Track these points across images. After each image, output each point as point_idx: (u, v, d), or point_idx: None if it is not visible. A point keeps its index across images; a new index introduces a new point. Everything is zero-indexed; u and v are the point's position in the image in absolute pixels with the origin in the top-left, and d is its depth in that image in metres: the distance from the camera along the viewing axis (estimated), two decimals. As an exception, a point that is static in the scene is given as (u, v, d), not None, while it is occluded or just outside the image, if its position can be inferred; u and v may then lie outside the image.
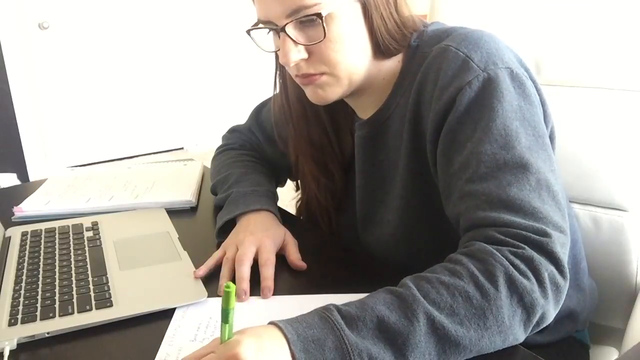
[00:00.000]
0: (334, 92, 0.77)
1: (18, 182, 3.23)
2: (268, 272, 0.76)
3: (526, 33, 1.02)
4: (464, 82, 0.68)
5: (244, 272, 0.75)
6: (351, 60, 0.74)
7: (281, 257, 0.82)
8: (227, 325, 0.53)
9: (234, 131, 1.15)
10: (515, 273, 0.57)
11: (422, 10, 1.10)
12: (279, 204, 0.98)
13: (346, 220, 0.93)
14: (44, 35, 3.52)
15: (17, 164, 3.43)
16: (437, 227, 0.77)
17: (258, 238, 0.81)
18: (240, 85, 4.12)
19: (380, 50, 0.76)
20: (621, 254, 0.95)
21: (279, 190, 1.05)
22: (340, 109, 0.88)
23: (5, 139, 3.36)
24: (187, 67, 4.02)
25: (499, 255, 0.58)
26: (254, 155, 1.09)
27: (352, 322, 0.55)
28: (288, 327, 0.54)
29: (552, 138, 0.78)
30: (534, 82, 0.73)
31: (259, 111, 1.10)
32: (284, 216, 0.94)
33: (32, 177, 3.49)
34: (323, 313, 0.56)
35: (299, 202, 1.02)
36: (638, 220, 0.94)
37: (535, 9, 1.03)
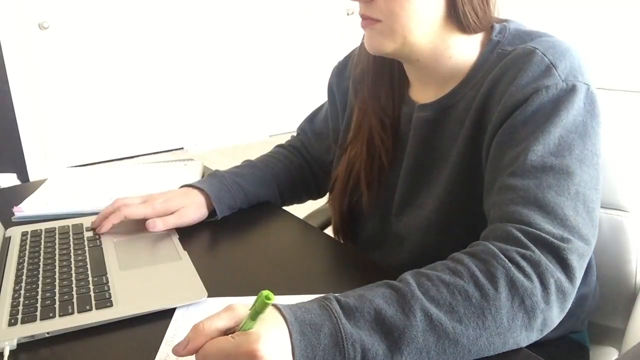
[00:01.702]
0: (385, 45, 0.76)
1: (18, 182, 3.23)
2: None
3: (526, 33, 1.02)
4: (543, 85, 0.69)
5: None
6: (411, 17, 0.73)
7: (282, 258, 0.82)
8: (252, 322, 0.54)
9: (298, 129, 1.17)
10: (517, 274, 0.58)
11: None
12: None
13: (380, 198, 0.91)
14: (44, 35, 3.52)
15: (17, 164, 3.43)
16: (471, 220, 0.76)
17: (152, 198, 0.92)
18: (240, 85, 4.12)
19: (457, 22, 0.75)
20: (621, 254, 0.95)
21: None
22: (403, 82, 0.88)
23: (5, 139, 3.36)
24: (188, 67, 4.02)
25: (502, 256, 0.59)
26: (289, 157, 1.10)
27: (350, 313, 0.56)
28: (287, 310, 0.56)
29: None
30: None
31: (314, 116, 1.12)
32: (286, 218, 0.94)
33: (32, 177, 3.50)
34: (322, 302, 0.57)
35: (335, 173, 0.98)
36: (638, 220, 0.94)
37: (535, 9, 1.03)
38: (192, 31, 3.96)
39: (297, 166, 1.09)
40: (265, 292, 0.52)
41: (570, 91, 0.69)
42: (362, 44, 0.90)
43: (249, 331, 0.53)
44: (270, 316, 0.55)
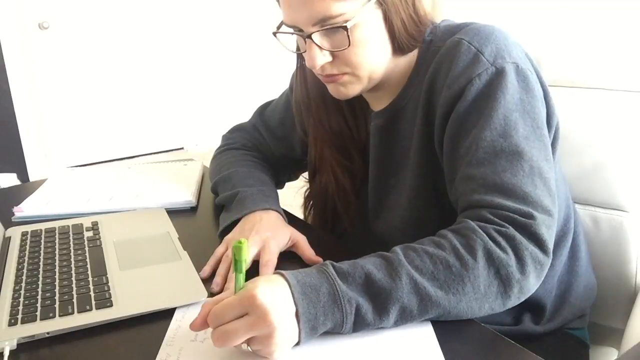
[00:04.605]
0: (354, 89, 0.81)
1: (18, 182, 3.22)
2: (267, 273, 0.76)
3: (526, 33, 1.02)
4: (474, 74, 0.73)
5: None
6: (372, 61, 0.78)
7: (283, 258, 0.82)
8: (240, 274, 0.61)
9: (235, 130, 1.15)
10: (494, 247, 0.63)
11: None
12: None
13: (358, 209, 0.94)
14: (44, 35, 3.52)
15: (17, 164, 3.43)
16: (444, 210, 0.79)
17: (262, 238, 0.81)
18: (240, 85, 4.12)
19: (399, 48, 0.80)
20: (621, 254, 0.95)
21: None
22: (356, 98, 0.90)
23: (5, 139, 3.36)
24: (187, 68, 4.02)
25: (481, 231, 0.64)
26: (256, 155, 1.09)
27: (344, 276, 0.62)
28: (290, 275, 0.62)
29: (557, 134, 0.81)
30: (539, 77, 0.77)
31: (264, 109, 1.11)
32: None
33: (32, 177, 3.50)
34: (320, 267, 0.64)
35: (308, 191, 1.03)
36: (638, 220, 0.94)
37: (536, 9, 1.03)
38: (192, 31, 3.96)
39: (265, 163, 1.08)
40: (235, 242, 0.60)
41: (500, 73, 0.73)
42: (297, 79, 0.93)
43: (247, 285, 0.60)
44: (273, 277, 0.62)
